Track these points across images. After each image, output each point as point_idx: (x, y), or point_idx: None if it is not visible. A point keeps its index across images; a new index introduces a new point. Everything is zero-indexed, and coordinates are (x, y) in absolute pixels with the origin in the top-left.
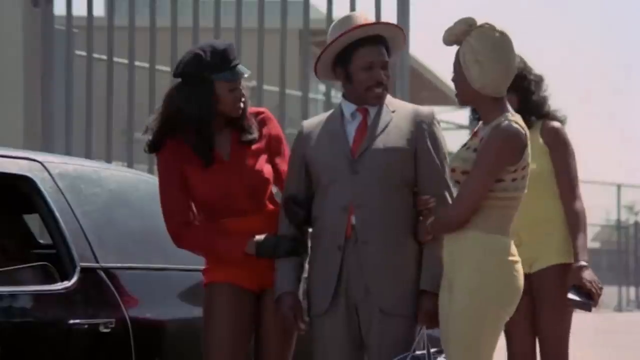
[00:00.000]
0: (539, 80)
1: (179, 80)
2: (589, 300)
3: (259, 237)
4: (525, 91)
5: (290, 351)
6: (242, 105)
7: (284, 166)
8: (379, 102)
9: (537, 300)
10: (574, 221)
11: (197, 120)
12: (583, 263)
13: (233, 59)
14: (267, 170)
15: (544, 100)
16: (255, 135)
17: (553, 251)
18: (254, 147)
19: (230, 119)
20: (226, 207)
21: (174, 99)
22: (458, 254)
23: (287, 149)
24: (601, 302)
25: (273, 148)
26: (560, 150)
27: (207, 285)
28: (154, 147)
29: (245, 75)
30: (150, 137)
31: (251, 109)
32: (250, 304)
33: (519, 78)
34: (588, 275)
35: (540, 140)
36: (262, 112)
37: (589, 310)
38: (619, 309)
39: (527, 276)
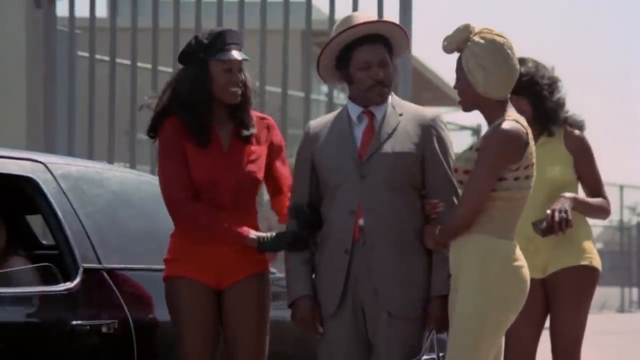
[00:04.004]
0: (552, 83)
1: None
2: (551, 227)
3: (260, 234)
4: (537, 96)
5: (265, 351)
6: (238, 91)
7: (284, 170)
8: (382, 100)
9: (552, 302)
10: (599, 200)
11: (190, 99)
12: (567, 195)
13: (230, 42)
14: (260, 173)
15: (558, 105)
16: (253, 131)
17: (568, 254)
18: (253, 147)
19: (231, 111)
20: (210, 195)
21: (174, 80)
22: (462, 258)
23: (285, 158)
24: (603, 303)
25: (274, 155)
26: (585, 157)
27: (167, 279)
28: (154, 129)
29: (239, 58)
30: (149, 123)
31: (255, 113)
32: (213, 299)
33: (530, 83)
34: (560, 204)
35: (564, 148)
36: (267, 118)
37: (539, 233)
38: (621, 309)
39: (541, 281)
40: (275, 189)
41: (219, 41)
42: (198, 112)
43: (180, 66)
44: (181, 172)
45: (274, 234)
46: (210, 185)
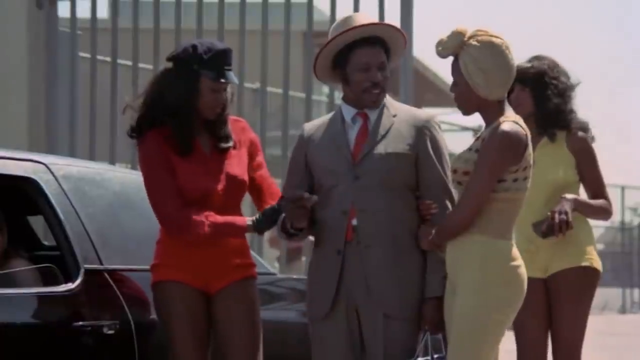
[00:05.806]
0: (564, 88)
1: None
2: (551, 229)
3: (250, 218)
4: (541, 93)
5: (258, 354)
6: (219, 111)
7: (264, 170)
8: (376, 104)
9: (553, 302)
10: (600, 202)
11: (176, 107)
12: (568, 196)
13: (227, 63)
14: (245, 175)
15: (560, 111)
16: (231, 143)
17: (568, 255)
18: (234, 152)
19: (207, 123)
20: (199, 203)
21: (159, 81)
22: (461, 259)
23: (263, 160)
24: (605, 304)
25: (254, 155)
26: (588, 159)
27: (157, 284)
28: (138, 131)
29: (233, 81)
30: (133, 123)
31: (229, 117)
32: (203, 302)
33: (539, 78)
34: (560, 205)
35: (567, 149)
36: (240, 121)
37: (539, 235)
38: (622, 310)
39: (543, 281)
40: (259, 188)
41: (219, 61)
42: (183, 120)
43: (164, 63)
44: (171, 183)
45: (262, 213)
46: (199, 194)
